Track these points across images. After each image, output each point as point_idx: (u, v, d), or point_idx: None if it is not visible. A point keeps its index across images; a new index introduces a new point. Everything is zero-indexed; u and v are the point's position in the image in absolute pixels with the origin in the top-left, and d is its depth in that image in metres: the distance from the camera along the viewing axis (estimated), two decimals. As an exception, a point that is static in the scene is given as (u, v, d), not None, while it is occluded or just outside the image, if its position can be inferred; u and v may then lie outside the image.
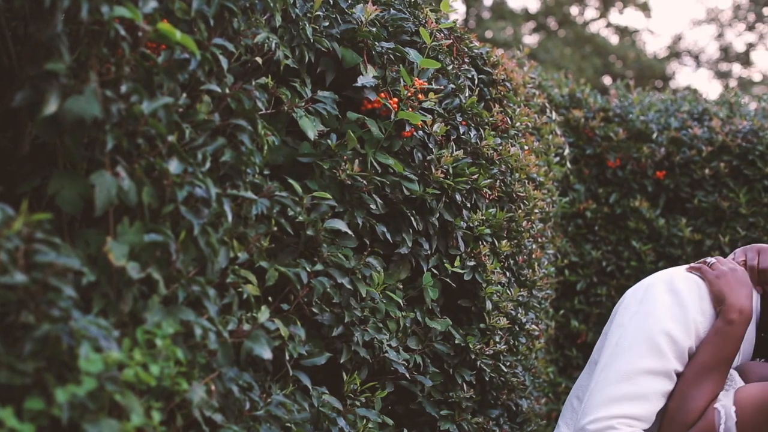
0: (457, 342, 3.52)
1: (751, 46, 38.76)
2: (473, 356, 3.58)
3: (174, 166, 2.01)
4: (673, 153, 7.15)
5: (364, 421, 2.93)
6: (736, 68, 39.26)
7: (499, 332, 3.76)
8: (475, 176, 3.53)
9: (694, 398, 2.90)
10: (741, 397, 2.87)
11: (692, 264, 3.14)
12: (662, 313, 3.00)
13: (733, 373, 3.00)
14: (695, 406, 2.89)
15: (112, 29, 1.89)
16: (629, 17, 61.26)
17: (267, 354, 2.27)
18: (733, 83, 36.56)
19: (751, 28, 38.53)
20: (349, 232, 2.87)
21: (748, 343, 3.12)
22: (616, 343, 3.04)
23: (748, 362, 3.07)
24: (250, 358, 2.41)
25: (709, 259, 3.15)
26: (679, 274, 3.11)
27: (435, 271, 3.46)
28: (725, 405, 2.86)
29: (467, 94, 3.66)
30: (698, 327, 2.98)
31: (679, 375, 2.98)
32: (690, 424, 2.88)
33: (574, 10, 36.13)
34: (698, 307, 3.01)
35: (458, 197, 3.46)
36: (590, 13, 37.00)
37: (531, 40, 34.45)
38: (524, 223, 4.16)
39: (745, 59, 38.94)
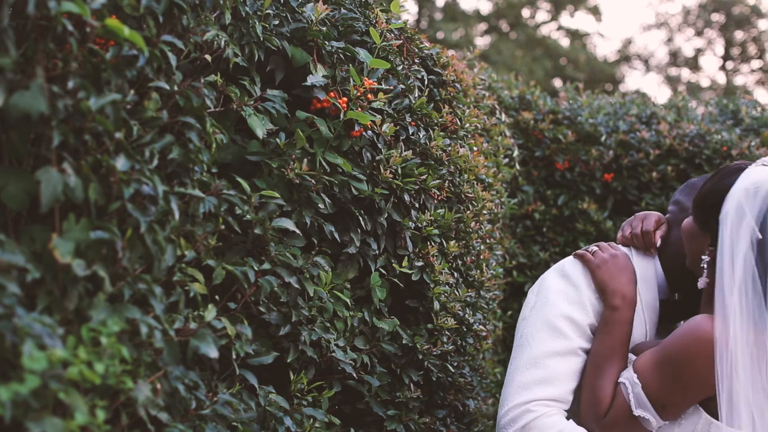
0: (404, 342, 3.53)
1: (699, 51, 39.18)
2: (421, 356, 3.59)
3: (121, 163, 1.99)
4: (621, 156, 7.21)
5: (311, 420, 2.92)
6: (685, 73, 39.68)
7: (447, 333, 3.77)
8: (424, 177, 3.54)
9: (600, 387, 3.01)
10: (638, 365, 3.00)
11: (577, 251, 3.26)
12: (557, 299, 3.16)
13: (631, 356, 3.09)
14: (604, 394, 3.00)
15: (60, 24, 1.88)
16: (580, 21, 61.61)
17: (213, 353, 2.27)
18: (681, 88, 36.95)
19: (699, 33, 38.95)
20: (297, 231, 2.86)
21: (652, 312, 3.26)
22: (521, 335, 3.16)
23: (641, 342, 3.18)
24: (196, 357, 2.41)
25: (591, 247, 3.29)
26: (568, 260, 3.30)
27: (383, 271, 3.46)
28: (627, 376, 2.98)
29: (417, 95, 3.66)
30: (594, 303, 3.16)
31: (586, 352, 3.12)
32: (605, 411, 2.98)
33: (525, 12, 36.34)
34: (590, 286, 3.18)
35: (407, 197, 3.46)
36: (542, 15, 37.26)
37: (483, 41, 34.63)
38: (472, 224, 4.17)
39: (693, 64, 39.36)
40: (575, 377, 3.08)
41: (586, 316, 3.12)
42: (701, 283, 3.04)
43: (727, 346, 2.81)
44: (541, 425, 2.96)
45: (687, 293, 3.37)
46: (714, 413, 2.92)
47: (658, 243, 3.38)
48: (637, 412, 2.93)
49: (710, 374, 2.84)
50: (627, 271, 3.20)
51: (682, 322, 3.42)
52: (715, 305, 2.88)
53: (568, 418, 3.02)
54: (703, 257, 3.04)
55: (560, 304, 3.14)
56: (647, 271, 3.30)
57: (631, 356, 3.11)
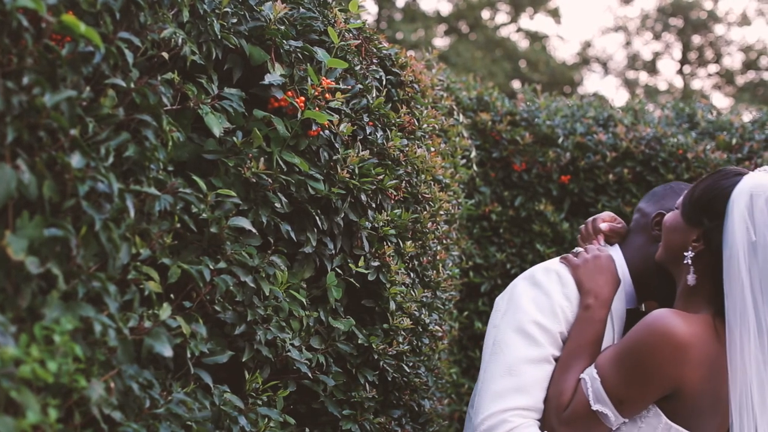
0: (360, 342, 3.53)
1: (657, 55, 39.43)
2: (376, 356, 3.59)
3: (76, 160, 1.98)
4: (578, 158, 7.24)
5: (266, 420, 2.92)
6: (643, 76, 39.93)
7: (403, 333, 3.77)
8: (381, 177, 3.54)
9: (563, 381, 3.04)
10: (599, 360, 3.05)
11: (564, 254, 3.33)
12: (528, 306, 3.20)
13: None
14: (566, 387, 3.03)
15: (15, 20, 1.87)
16: (540, 23, 61.86)
17: (168, 351, 2.26)
18: (639, 91, 37.18)
19: (657, 37, 39.21)
20: (253, 230, 2.86)
21: (620, 321, 3.35)
22: (493, 343, 3.18)
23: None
24: (150, 356, 2.40)
25: (576, 249, 3.38)
26: (539, 268, 3.35)
27: (339, 271, 3.46)
28: (588, 372, 3.01)
29: (375, 95, 3.67)
30: (565, 312, 3.20)
31: (557, 360, 3.15)
32: (566, 405, 3.01)
33: (485, 14, 36.42)
34: (561, 293, 3.23)
35: (363, 197, 3.46)
36: (501, 17, 37.35)
37: (442, 42, 34.68)
38: (429, 224, 4.17)
39: (651, 68, 39.61)
40: (546, 386, 3.09)
41: (557, 324, 3.14)
42: (691, 279, 3.08)
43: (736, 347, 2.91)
44: None
45: (658, 299, 3.44)
46: (673, 416, 2.96)
47: (603, 227, 3.52)
48: (595, 406, 2.95)
49: (669, 368, 2.89)
50: (606, 272, 3.26)
51: None
52: (727, 309, 2.97)
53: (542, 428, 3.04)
54: (686, 253, 3.10)
55: (532, 311, 3.16)
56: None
57: None
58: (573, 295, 3.21)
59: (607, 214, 3.64)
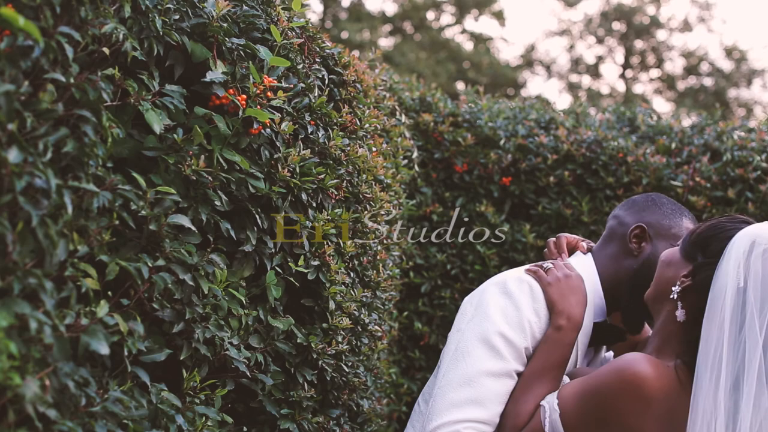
0: (299, 341, 3.52)
1: (600, 59, 39.73)
2: (315, 356, 3.59)
3: (13, 155, 1.96)
4: (520, 160, 7.28)
5: (204, 418, 2.90)
6: (586, 80, 40.21)
7: (342, 332, 3.77)
8: (322, 176, 3.53)
9: (523, 402, 2.98)
10: (564, 392, 2.98)
11: (530, 266, 3.26)
12: (496, 316, 3.10)
13: (566, 378, 3.08)
14: (525, 409, 2.97)
15: (-48, 13, 1.85)
16: (484, 25, 62.11)
17: (104, 349, 2.24)
18: (582, 95, 37.44)
19: (601, 41, 39.50)
20: (193, 227, 2.84)
21: (585, 336, 3.26)
22: (456, 348, 3.11)
23: (578, 368, 3.17)
24: (87, 353, 2.38)
25: (546, 264, 3.25)
26: (511, 277, 3.25)
27: (279, 270, 3.45)
28: (549, 401, 2.95)
29: (317, 94, 3.66)
30: (533, 327, 3.12)
31: (519, 375, 3.08)
32: (520, 427, 2.95)
33: (430, 15, 36.50)
34: (531, 308, 3.15)
35: (304, 196, 3.46)
36: (446, 18, 37.43)
37: (387, 42, 34.71)
38: (370, 224, 4.18)
39: (594, 71, 39.91)
40: (505, 400, 3.05)
41: (524, 338, 3.09)
42: (680, 315, 2.99)
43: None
44: None
45: (625, 315, 3.37)
46: None
47: (575, 242, 3.53)
48: None
49: (629, 418, 2.82)
50: (578, 293, 3.19)
51: (604, 348, 3.44)
52: (699, 352, 2.86)
53: None
54: (673, 288, 3.01)
55: (499, 322, 3.11)
56: (588, 295, 3.28)
57: (566, 379, 3.11)
58: (542, 311, 3.15)
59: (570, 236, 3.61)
